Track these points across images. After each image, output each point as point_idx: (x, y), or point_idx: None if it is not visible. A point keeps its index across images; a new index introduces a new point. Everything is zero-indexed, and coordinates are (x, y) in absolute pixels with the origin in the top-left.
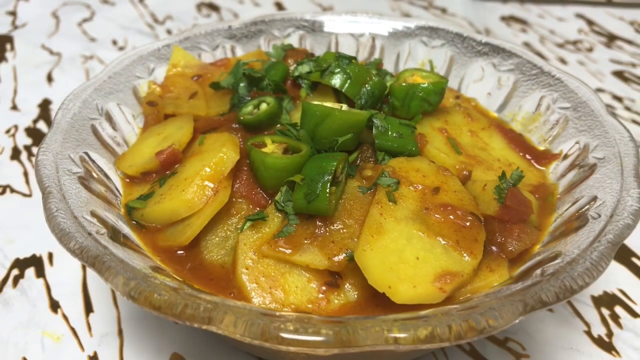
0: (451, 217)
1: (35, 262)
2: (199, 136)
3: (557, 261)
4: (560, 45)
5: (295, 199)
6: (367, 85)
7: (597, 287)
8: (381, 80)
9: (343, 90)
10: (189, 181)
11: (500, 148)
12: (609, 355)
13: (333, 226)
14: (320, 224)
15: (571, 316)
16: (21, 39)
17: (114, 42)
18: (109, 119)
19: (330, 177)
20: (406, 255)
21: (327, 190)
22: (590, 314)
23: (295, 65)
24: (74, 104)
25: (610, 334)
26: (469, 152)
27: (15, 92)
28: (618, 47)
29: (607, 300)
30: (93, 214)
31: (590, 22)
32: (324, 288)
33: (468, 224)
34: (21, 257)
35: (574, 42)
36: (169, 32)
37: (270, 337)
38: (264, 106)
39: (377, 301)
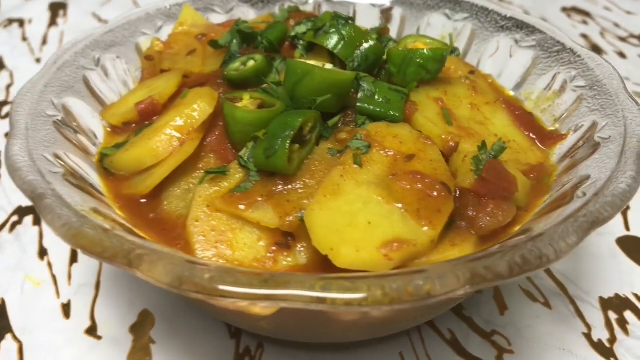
0: (419, 185)
1: (35, 211)
2: (183, 90)
3: (521, 237)
4: (623, 39)
5: (256, 154)
6: (361, 48)
7: (609, 289)
8: (378, 44)
9: (335, 52)
10: (157, 130)
11: (503, 125)
12: None
13: (292, 185)
14: (279, 182)
15: (572, 316)
16: (75, 7)
17: None
18: (105, 70)
19: (292, 133)
20: (358, 219)
21: (287, 147)
22: (595, 316)
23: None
24: (69, 50)
25: (613, 339)
26: (462, 124)
27: None
28: None
29: (617, 304)
30: (56, 156)
31: None
32: (274, 248)
33: (435, 193)
34: (23, 205)
35: (639, 37)
36: None
37: (187, 283)
38: (251, 63)
39: (325, 267)
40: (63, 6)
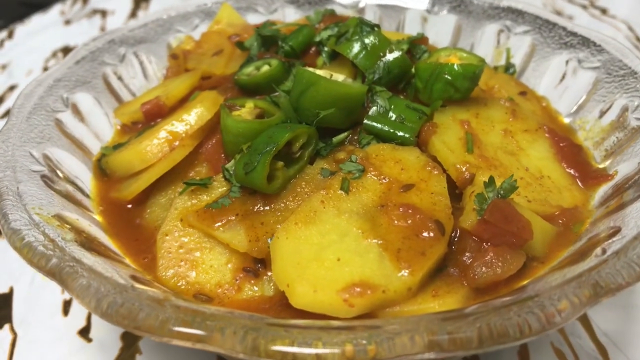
0: (408, 221)
1: None
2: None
3: (508, 298)
4: None
5: (236, 168)
6: (384, 59)
7: None
8: (404, 55)
9: (355, 61)
10: (152, 133)
11: (540, 157)
12: None
13: (271, 206)
14: (259, 201)
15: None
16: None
17: None
18: (127, 67)
19: (274, 149)
20: (326, 254)
21: (266, 163)
22: None
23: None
24: (93, 44)
25: None
26: (487, 153)
27: None
28: None
29: None
30: (44, 155)
31: None
32: (241, 275)
33: (425, 233)
34: None
35: None
36: None
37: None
38: (265, 68)
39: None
40: None
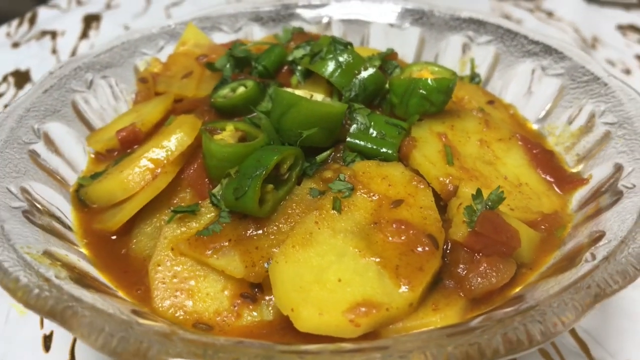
0: (402, 237)
1: None
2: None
3: (509, 309)
4: None
5: (225, 193)
6: (359, 77)
7: None
8: (378, 72)
9: (331, 80)
10: (132, 162)
11: (516, 165)
12: None
13: (263, 230)
14: (251, 225)
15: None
16: (108, 18)
17: None
18: (96, 93)
19: (264, 172)
20: (327, 275)
21: (257, 187)
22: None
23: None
24: (59, 71)
25: None
26: (467, 164)
27: None
28: None
29: None
30: (22, 189)
31: None
32: (238, 301)
33: (420, 248)
34: None
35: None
36: None
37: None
38: (241, 89)
39: (292, 325)
40: (97, 18)
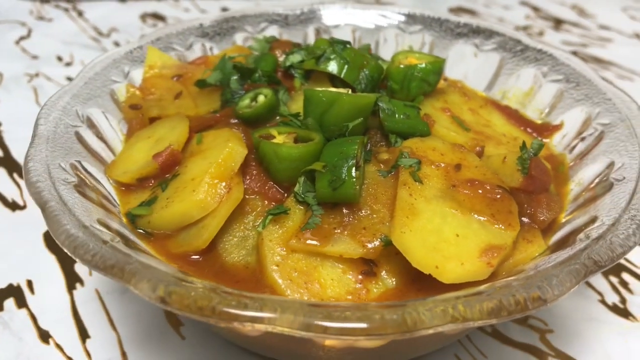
0: (480, 191)
1: (14, 292)
2: (194, 135)
3: (597, 224)
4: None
5: (319, 187)
6: (365, 70)
7: None
8: (378, 63)
9: (342, 76)
10: (197, 181)
11: (502, 124)
12: (627, 321)
13: (361, 212)
14: (347, 211)
15: (583, 287)
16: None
17: (59, 58)
18: (92, 125)
19: (354, 162)
20: (445, 234)
21: (353, 176)
22: (601, 283)
23: (284, 56)
24: (53, 112)
25: (623, 300)
26: (475, 129)
27: None
28: (566, 30)
29: (613, 268)
30: (100, 223)
31: (535, 9)
32: (360, 277)
33: (499, 196)
34: None
35: (525, 28)
36: (116, 44)
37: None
38: (261, 98)
39: (418, 285)
40: None
